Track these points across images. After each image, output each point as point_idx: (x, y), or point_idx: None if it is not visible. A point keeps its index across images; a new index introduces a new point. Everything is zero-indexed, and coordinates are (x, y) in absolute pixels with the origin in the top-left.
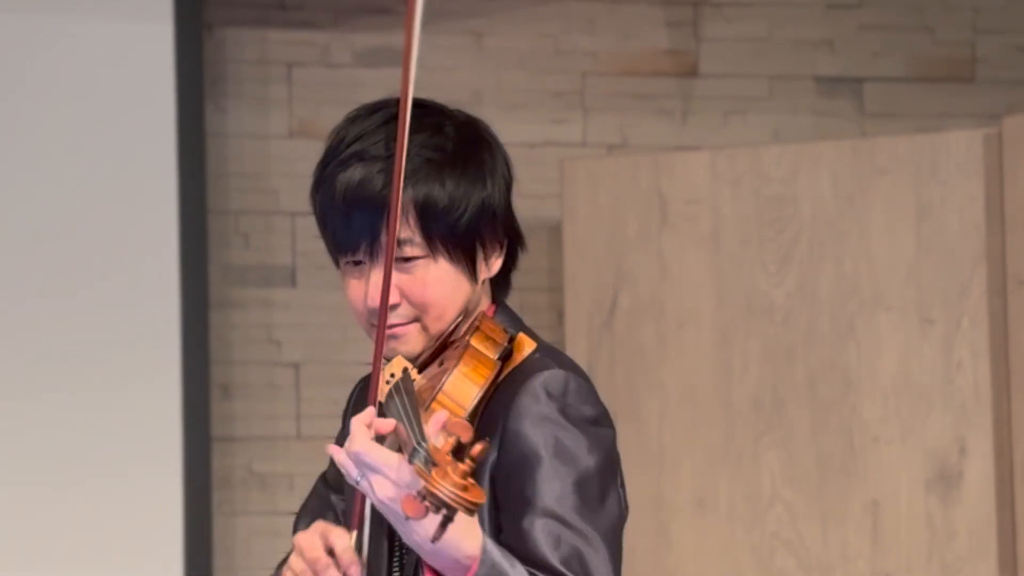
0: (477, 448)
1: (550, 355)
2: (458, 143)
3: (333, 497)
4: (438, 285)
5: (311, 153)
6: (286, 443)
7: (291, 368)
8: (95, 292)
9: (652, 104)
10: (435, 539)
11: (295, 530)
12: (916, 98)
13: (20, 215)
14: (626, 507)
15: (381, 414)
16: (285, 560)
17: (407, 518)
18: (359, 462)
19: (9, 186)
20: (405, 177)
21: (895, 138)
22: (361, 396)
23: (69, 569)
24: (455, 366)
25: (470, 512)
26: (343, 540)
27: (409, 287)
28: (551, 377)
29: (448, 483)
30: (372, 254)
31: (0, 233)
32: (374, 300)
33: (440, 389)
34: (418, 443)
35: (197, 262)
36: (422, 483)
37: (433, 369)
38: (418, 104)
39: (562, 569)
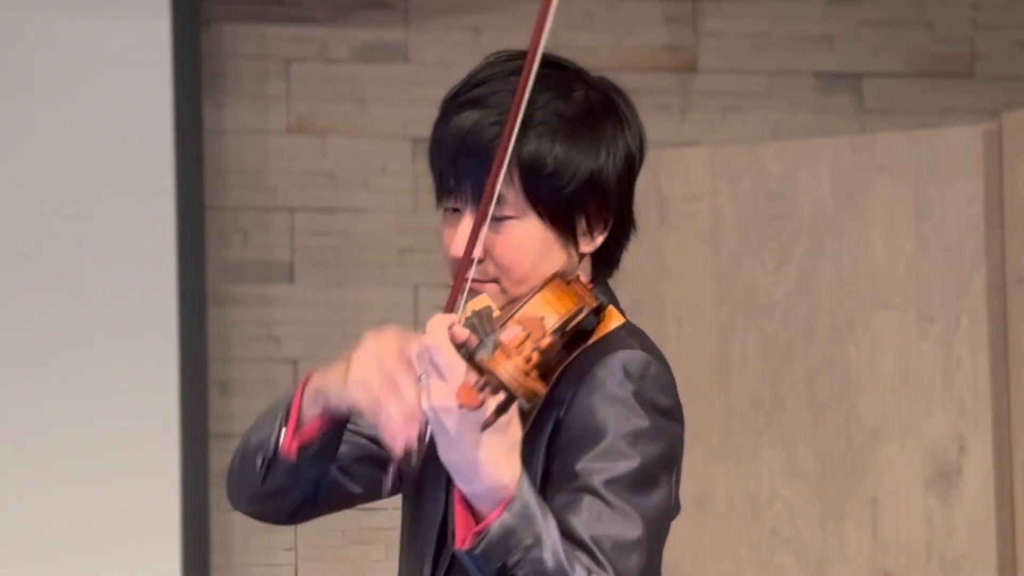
0: (547, 340)
1: (636, 336)
2: (581, 110)
3: (362, 440)
4: (525, 249)
5: (309, 149)
6: None
7: (289, 365)
8: (93, 289)
9: (651, 100)
10: (486, 425)
11: None
12: (915, 94)
13: (17, 212)
14: (677, 507)
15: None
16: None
17: (460, 406)
18: (428, 358)
19: (6, 183)
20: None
21: (894, 134)
22: None
23: (67, 565)
24: (537, 290)
25: (528, 399)
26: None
27: (495, 245)
28: (632, 357)
29: (510, 365)
30: (466, 203)
31: None
32: (457, 250)
33: (518, 309)
34: (486, 335)
35: (195, 259)
36: (483, 367)
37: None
38: (555, 64)
39: (591, 545)
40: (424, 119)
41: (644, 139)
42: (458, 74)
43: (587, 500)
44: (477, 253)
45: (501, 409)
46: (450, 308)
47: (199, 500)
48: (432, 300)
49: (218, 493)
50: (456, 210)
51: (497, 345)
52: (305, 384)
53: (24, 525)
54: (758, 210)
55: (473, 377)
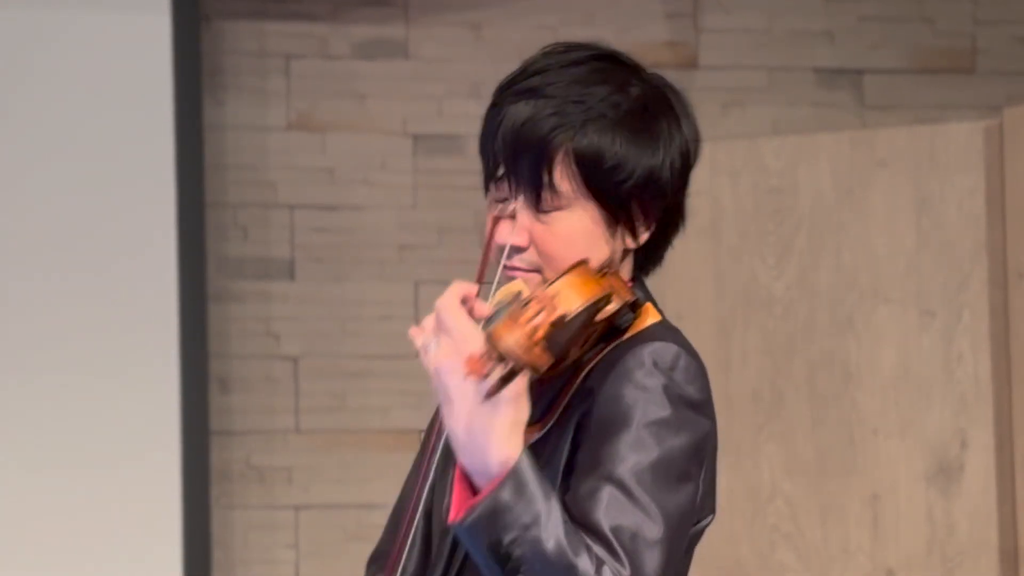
0: (557, 314)
1: (670, 331)
2: (637, 105)
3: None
4: (571, 241)
5: (309, 145)
6: (284, 436)
7: (289, 361)
8: (93, 286)
9: None
10: (490, 394)
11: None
12: (916, 90)
13: (17, 209)
14: (712, 510)
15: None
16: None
17: (465, 375)
18: (438, 318)
19: (6, 180)
20: (575, 126)
21: (895, 130)
22: None
23: (68, 562)
24: (564, 275)
25: (532, 370)
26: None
27: (541, 236)
28: (662, 348)
29: (512, 337)
30: (517, 193)
31: None
32: (502, 237)
33: (542, 289)
34: (496, 311)
35: (195, 255)
36: (489, 336)
37: None
38: (610, 57)
39: (610, 537)
40: (424, 115)
41: (698, 137)
42: (458, 70)
43: (608, 490)
44: (523, 242)
45: (504, 380)
46: (478, 280)
47: (200, 497)
48: (433, 297)
49: (219, 489)
50: (504, 198)
51: (503, 315)
52: None
53: (25, 523)
54: (758, 205)
55: (484, 347)
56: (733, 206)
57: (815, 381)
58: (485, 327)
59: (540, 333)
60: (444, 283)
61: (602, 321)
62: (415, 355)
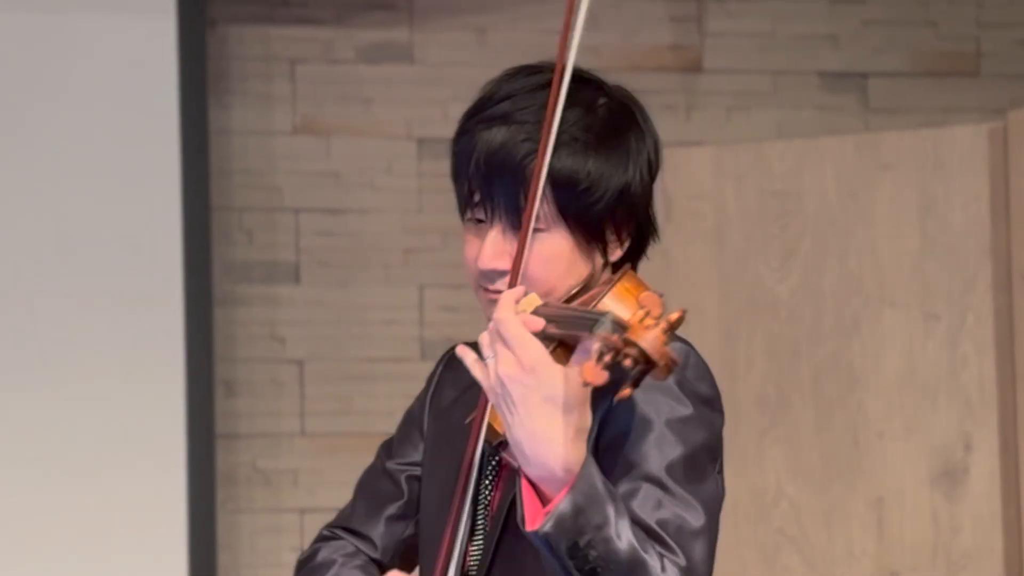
0: (675, 315)
1: None
2: (608, 124)
3: (389, 464)
4: (552, 262)
5: (315, 149)
6: (290, 440)
7: (295, 365)
8: (99, 290)
9: (656, 100)
10: (622, 398)
11: (354, 505)
12: (920, 93)
13: (23, 213)
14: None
15: None
16: None
17: (585, 384)
18: (496, 331)
19: (12, 183)
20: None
21: (899, 133)
22: (449, 368)
23: (74, 566)
24: (616, 282)
25: (668, 370)
26: None
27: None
28: (671, 348)
29: (651, 335)
30: (495, 217)
31: (2, 231)
32: (484, 262)
33: (601, 298)
34: (599, 317)
35: (201, 259)
36: (613, 339)
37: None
38: (577, 77)
39: (657, 529)
40: (429, 119)
41: (660, 145)
42: (463, 74)
43: (646, 488)
44: (504, 266)
45: (636, 382)
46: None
47: (205, 500)
48: (437, 300)
49: (224, 493)
50: (480, 221)
51: (618, 322)
52: None
53: (31, 526)
54: (763, 209)
55: (594, 356)
56: (738, 210)
57: (820, 384)
58: (591, 328)
59: (668, 333)
60: (449, 287)
61: None
62: (419, 358)
